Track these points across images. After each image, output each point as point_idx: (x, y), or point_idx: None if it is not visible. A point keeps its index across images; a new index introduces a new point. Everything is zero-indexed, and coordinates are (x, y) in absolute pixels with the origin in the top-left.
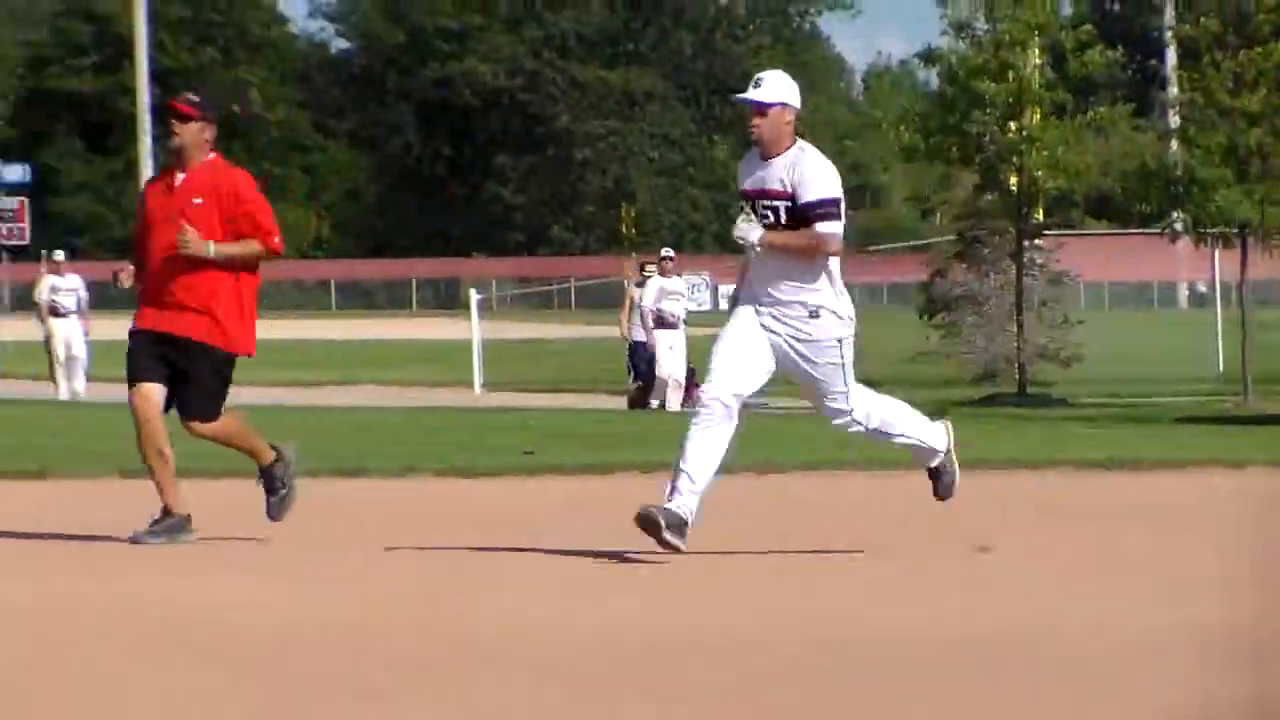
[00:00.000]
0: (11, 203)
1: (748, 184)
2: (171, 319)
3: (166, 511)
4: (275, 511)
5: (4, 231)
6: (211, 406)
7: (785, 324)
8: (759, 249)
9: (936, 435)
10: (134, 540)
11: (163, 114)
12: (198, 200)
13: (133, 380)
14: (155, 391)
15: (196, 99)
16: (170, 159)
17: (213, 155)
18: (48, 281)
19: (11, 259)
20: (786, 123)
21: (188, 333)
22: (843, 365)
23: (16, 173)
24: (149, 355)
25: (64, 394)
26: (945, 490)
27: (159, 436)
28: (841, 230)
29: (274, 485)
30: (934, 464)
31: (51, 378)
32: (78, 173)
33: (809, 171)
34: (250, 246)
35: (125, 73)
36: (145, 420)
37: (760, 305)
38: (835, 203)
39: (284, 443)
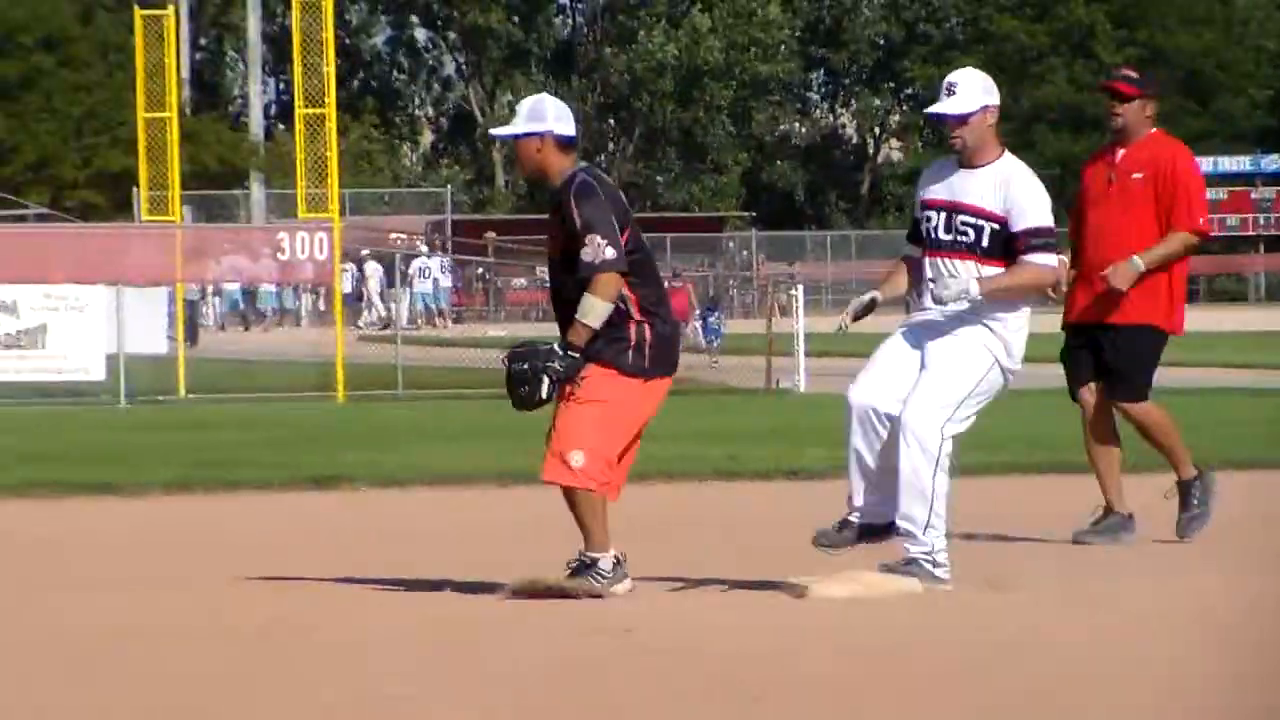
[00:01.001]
0: (1269, 192)
1: (938, 193)
2: (1103, 302)
3: (1108, 510)
4: (1183, 529)
5: (1261, 221)
6: (1139, 388)
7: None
8: (976, 299)
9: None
10: (1075, 540)
11: (1104, 94)
12: (1137, 175)
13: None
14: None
15: (1135, 76)
16: (1111, 138)
17: (1153, 130)
18: None
19: (1267, 250)
20: (989, 126)
21: (1123, 317)
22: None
23: (1274, 162)
24: (1080, 347)
25: None
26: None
27: (1100, 430)
28: (1055, 263)
29: (1188, 502)
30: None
31: None
32: None
33: (1025, 193)
34: (1172, 244)
35: None
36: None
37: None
38: (1052, 231)
39: (1208, 468)
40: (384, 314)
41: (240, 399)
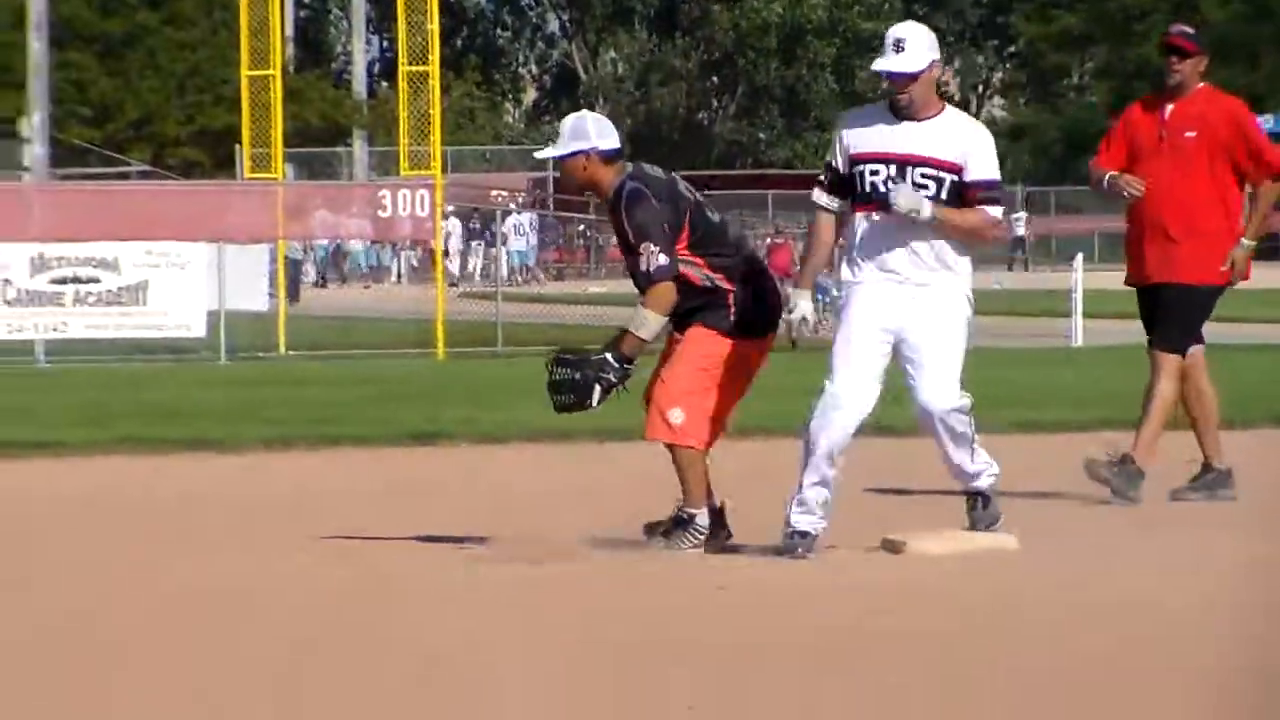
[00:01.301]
0: None
1: (882, 145)
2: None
3: (1206, 466)
4: (1182, 492)
5: None
6: (1180, 337)
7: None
8: (925, 220)
9: None
10: (1174, 497)
11: (1163, 51)
12: (1190, 134)
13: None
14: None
15: (1191, 32)
16: (1165, 93)
17: (1200, 86)
18: None
19: None
20: (934, 81)
21: (1186, 274)
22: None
23: None
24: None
25: None
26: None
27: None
28: (1002, 216)
29: (1205, 480)
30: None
31: None
32: None
33: (980, 144)
34: (1265, 202)
35: None
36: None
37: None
38: (1000, 185)
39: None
40: (455, 272)
41: (340, 355)
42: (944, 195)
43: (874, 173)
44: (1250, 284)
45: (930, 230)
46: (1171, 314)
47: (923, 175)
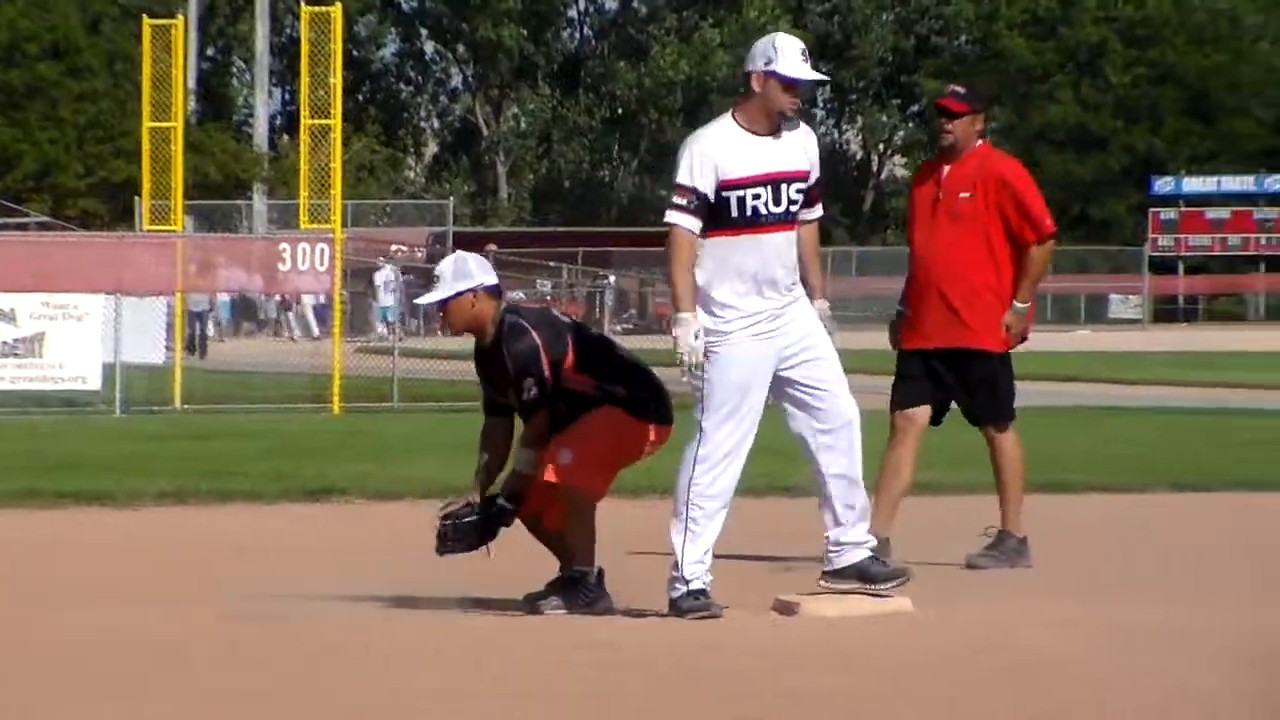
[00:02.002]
0: (1272, 213)
1: (752, 167)
2: (944, 326)
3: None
4: (976, 559)
5: (1263, 241)
6: (1008, 413)
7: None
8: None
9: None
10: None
11: (936, 114)
12: (964, 195)
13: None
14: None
15: (963, 91)
16: (939, 154)
17: (979, 144)
18: None
19: (1269, 269)
20: None
21: (975, 342)
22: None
23: (1278, 182)
24: (916, 374)
25: None
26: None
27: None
28: None
29: (1002, 545)
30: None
31: None
32: None
33: (814, 144)
34: (1036, 265)
35: None
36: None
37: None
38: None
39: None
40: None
41: (236, 409)
42: (801, 205)
43: (756, 196)
44: (1149, 346)
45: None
46: (982, 388)
47: (796, 190)
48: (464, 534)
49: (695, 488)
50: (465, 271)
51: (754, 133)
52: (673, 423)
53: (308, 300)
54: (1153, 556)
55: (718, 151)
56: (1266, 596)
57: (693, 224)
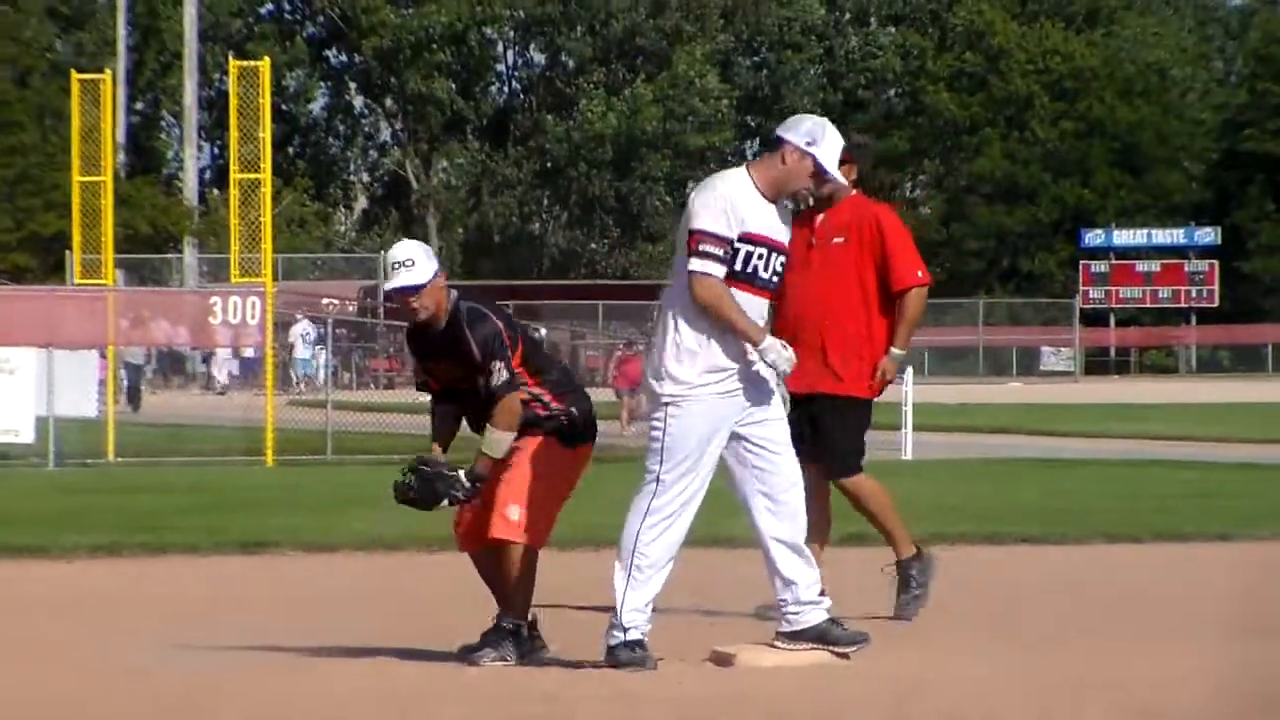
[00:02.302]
0: (1202, 265)
1: (770, 230)
2: (811, 372)
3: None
4: (902, 609)
5: (1193, 294)
6: (853, 461)
7: None
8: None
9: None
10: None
11: None
12: (838, 240)
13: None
14: None
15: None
16: (816, 203)
17: (852, 193)
18: None
19: (1199, 322)
20: None
21: (837, 387)
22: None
23: (1208, 235)
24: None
25: None
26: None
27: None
28: None
29: (907, 583)
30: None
31: None
32: (1269, 234)
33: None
34: (910, 311)
35: None
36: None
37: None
38: None
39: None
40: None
41: (169, 463)
42: None
43: (760, 256)
44: (1081, 398)
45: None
46: (839, 434)
47: (780, 264)
48: (429, 484)
49: (644, 537)
50: (431, 254)
51: (764, 196)
52: (595, 439)
53: (222, 354)
54: (1083, 608)
55: (743, 203)
56: (1196, 646)
57: (722, 274)
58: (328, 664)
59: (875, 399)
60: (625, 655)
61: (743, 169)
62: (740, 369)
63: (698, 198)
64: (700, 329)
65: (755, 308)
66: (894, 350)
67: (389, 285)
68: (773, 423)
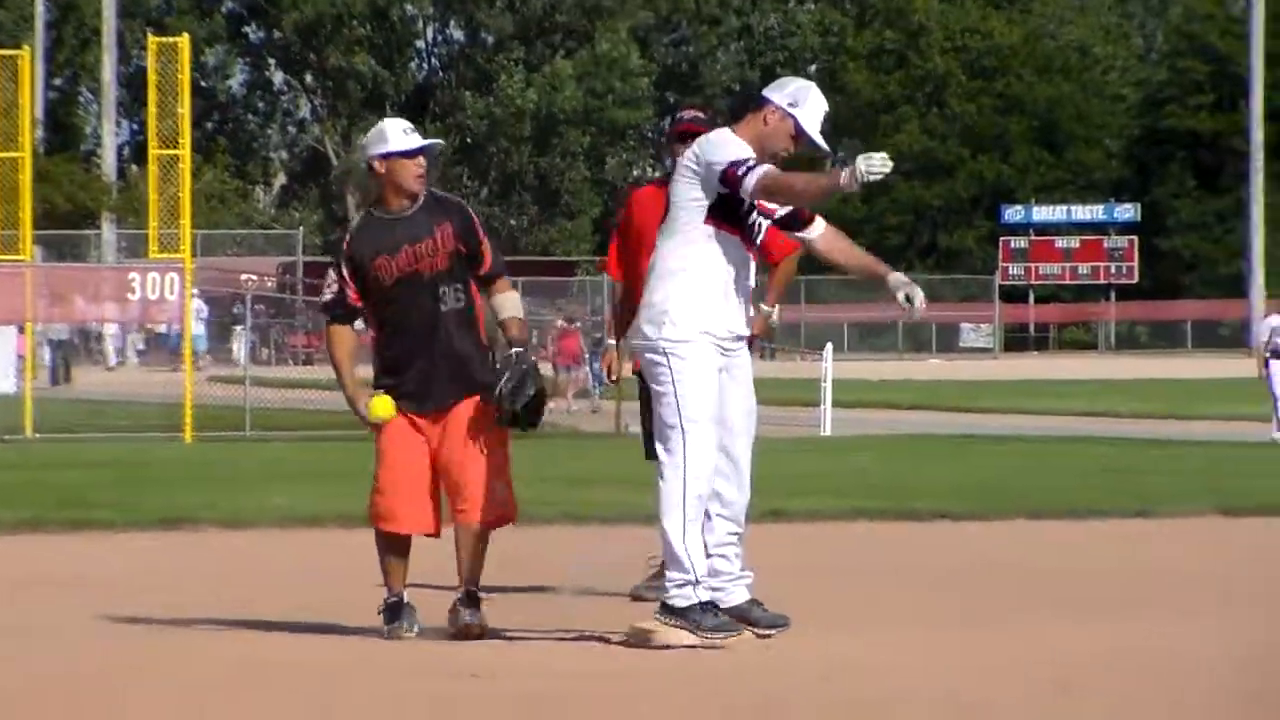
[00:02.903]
0: (1121, 241)
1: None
2: None
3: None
4: (643, 589)
5: (1113, 270)
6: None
7: None
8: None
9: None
10: (634, 595)
11: (677, 138)
12: None
13: None
14: None
15: (703, 115)
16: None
17: None
18: (1270, 322)
19: (1118, 298)
20: None
21: None
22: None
23: (1127, 211)
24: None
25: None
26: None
27: None
28: None
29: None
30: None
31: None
32: (1188, 211)
33: None
34: (784, 273)
35: (1240, 112)
36: None
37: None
38: None
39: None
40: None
41: (88, 439)
42: None
43: (754, 209)
44: (1000, 375)
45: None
46: None
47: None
48: (522, 389)
49: (691, 488)
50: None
51: None
52: None
53: (109, 329)
54: (1002, 585)
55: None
56: (1115, 624)
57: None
58: (248, 638)
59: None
60: (711, 621)
61: (728, 130)
62: (729, 344)
63: (715, 146)
64: (700, 278)
65: (749, 265)
66: (764, 307)
67: (416, 144)
68: (741, 439)
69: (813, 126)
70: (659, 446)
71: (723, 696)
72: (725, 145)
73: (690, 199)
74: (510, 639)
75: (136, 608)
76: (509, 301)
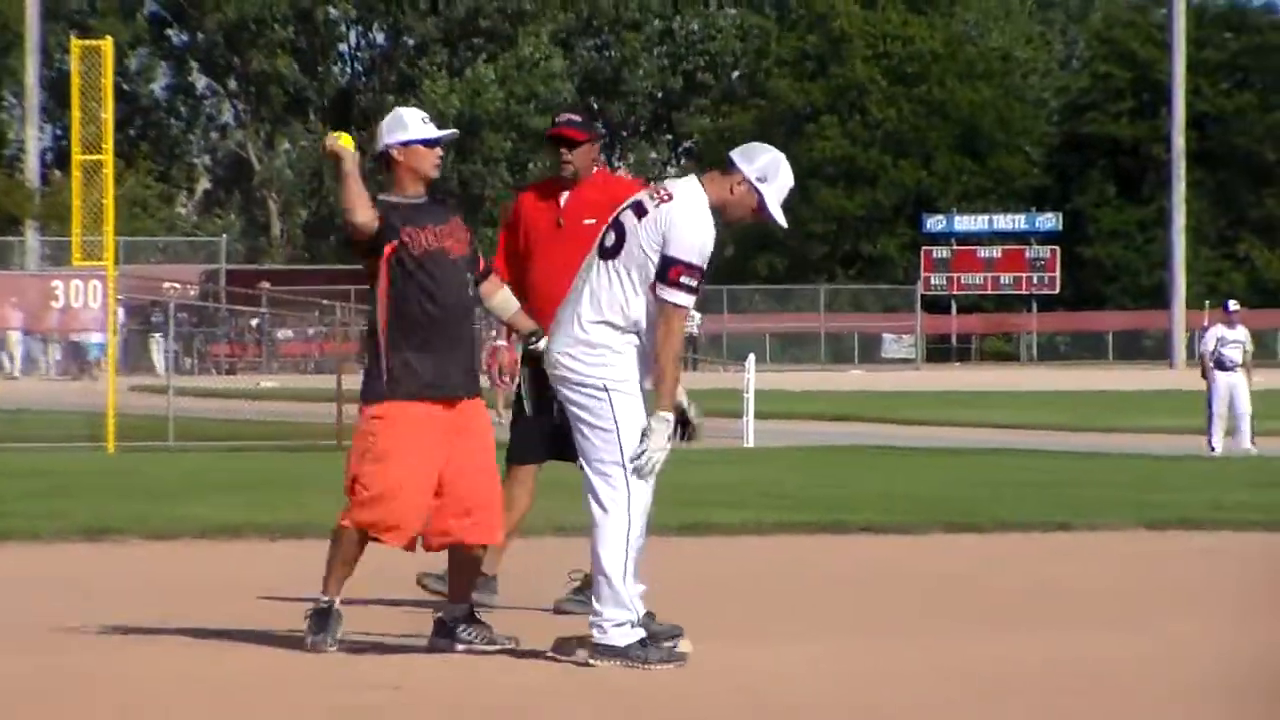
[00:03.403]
0: (1043, 251)
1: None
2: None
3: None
4: (566, 603)
5: (1035, 280)
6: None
7: None
8: None
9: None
10: (557, 609)
11: (552, 143)
12: (589, 221)
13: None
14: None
15: (580, 120)
16: (560, 181)
17: (596, 171)
18: (1216, 332)
19: (1040, 309)
20: None
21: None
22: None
23: (1049, 220)
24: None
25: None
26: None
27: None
28: None
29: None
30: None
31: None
32: (1109, 220)
33: None
34: None
35: (1161, 119)
36: None
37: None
38: None
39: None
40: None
41: (9, 448)
42: None
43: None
44: (922, 385)
45: None
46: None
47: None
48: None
49: (635, 524)
50: None
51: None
52: None
53: (13, 335)
54: (924, 596)
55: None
56: (1037, 635)
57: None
58: (170, 649)
59: None
60: (655, 654)
61: (698, 185)
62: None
63: (686, 223)
64: (638, 331)
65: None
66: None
67: (435, 134)
68: None
69: (776, 204)
70: (599, 482)
71: (638, 709)
72: (690, 240)
73: (646, 257)
74: (433, 653)
75: (58, 617)
76: (509, 294)
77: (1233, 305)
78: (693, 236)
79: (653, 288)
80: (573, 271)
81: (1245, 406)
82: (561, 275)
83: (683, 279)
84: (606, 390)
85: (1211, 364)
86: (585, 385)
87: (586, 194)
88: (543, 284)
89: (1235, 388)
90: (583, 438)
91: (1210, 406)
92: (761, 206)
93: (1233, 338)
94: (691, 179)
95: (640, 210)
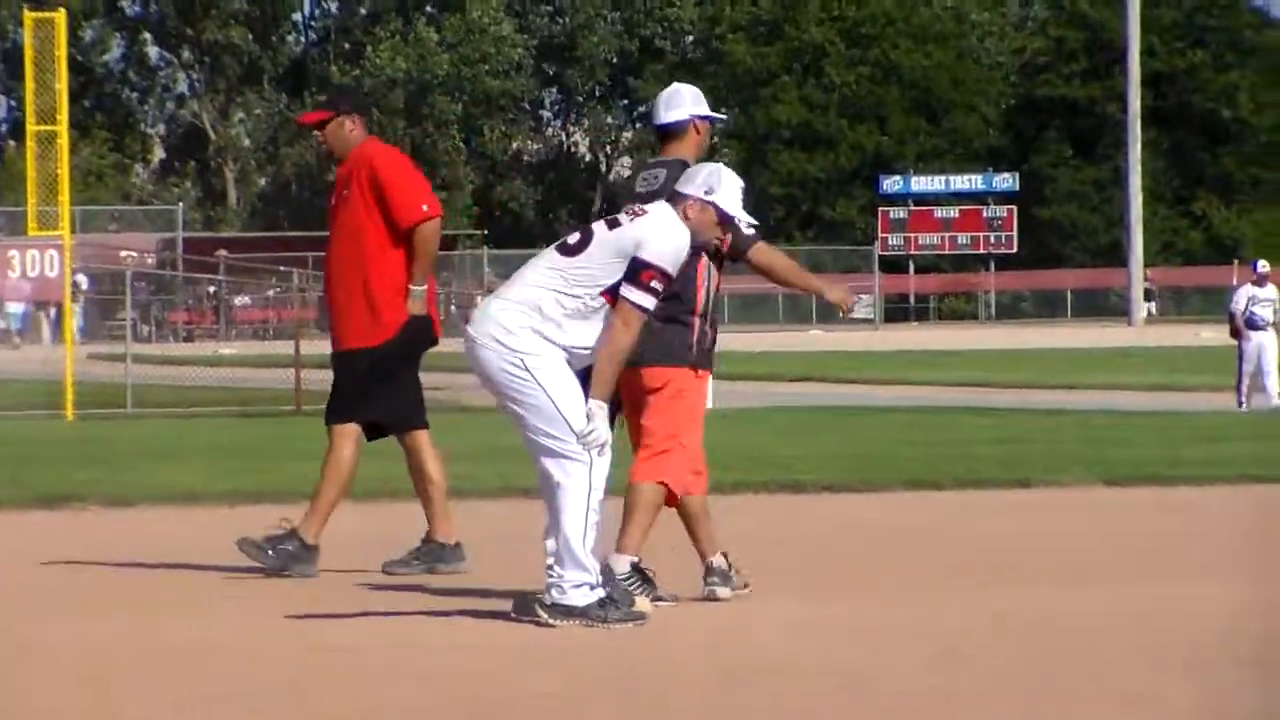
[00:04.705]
0: (1000, 211)
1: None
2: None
3: (428, 538)
4: (394, 566)
5: (992, 240)
6: (334, 412)
7: None
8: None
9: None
10: (387, 569)
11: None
12: (346, 192)
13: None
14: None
15: (323, 100)
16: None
17: (364, 142)
18: (1246, 292)
19: (998, 268)
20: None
21: (342, 344)
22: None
23: (1006, 180)
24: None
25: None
26: None
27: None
28: None
29: (419, 554)
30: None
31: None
32: (1066, 180)
33: None
34: (421, 249)
35: (1115, 78)
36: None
37: None
38: None
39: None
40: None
41: None
42: None
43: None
44: (881, 345)
45: None
46: (336, 383)
47: None
48: None
49: (596, 485)
50: None
51: None
52: None
53: None
54: (885, 555)
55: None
56: (998, 591)
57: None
58: (131, 616)
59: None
60: (615, 614)
61: (674, 225)
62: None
63: (663, 232)
64: (584, 329)
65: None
66: (411, 288)
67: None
68: None
69: (736, 206)
70: (559, 447)
71: (598, 668)
72: (666, 248)
73: (607, 264)
74: (384, 615)
75: (19, 588)
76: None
77: (1262, 265)
78: (668, 244)
79: (616, 289)
80: (340, 244)
81: (1272, 364)
82: (331, 251)
83: (652, 283)
84: (525, 366)
85: (1243, 323)
86: (506, 366)
87: (344, 169)
88: (327, 263)
89: (1264, 346)
90: (523, 413)
91: (1240, 364)
92: (723, 216)
93: (1264, 296)
94: (662, 203)
95: (613, 224)
